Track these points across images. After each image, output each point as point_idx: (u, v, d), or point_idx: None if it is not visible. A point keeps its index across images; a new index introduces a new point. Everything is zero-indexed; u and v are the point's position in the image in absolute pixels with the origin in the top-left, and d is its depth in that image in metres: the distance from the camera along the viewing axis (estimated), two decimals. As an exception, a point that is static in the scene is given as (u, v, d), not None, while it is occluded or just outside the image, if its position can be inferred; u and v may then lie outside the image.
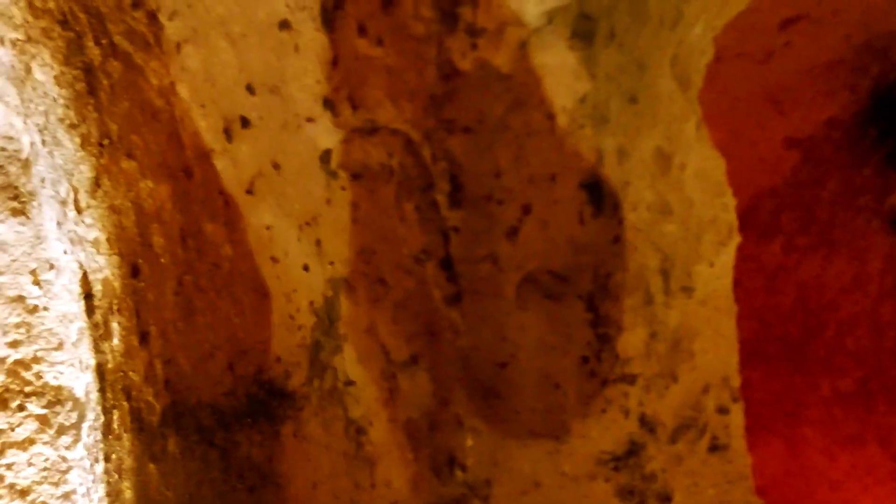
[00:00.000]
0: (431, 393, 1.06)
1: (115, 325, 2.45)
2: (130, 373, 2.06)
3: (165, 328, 1.80)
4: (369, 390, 1.20)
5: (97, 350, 2.80)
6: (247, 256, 1.41)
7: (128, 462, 2.26)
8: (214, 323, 1.58)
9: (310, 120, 1.24)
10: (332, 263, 1.25)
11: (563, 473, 0.95)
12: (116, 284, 2.24)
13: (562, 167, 1.02)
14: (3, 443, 3.04)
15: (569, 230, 0.99)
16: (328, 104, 1.20)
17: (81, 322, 2.97)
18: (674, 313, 1.04)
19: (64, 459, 3.08)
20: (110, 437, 2.65)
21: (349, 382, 1.24)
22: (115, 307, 2.34)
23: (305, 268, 1.30)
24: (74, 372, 3.13)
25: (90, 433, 3.04)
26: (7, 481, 3.07)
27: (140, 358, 1.98)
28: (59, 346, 3.12)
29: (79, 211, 2.52)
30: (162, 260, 1.76)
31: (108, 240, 2.24)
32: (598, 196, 0.98)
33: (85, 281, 2.85)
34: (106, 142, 1.91)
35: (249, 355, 1.48)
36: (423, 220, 1.04)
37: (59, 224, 2.90)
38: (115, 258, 2.08)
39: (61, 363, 3.14)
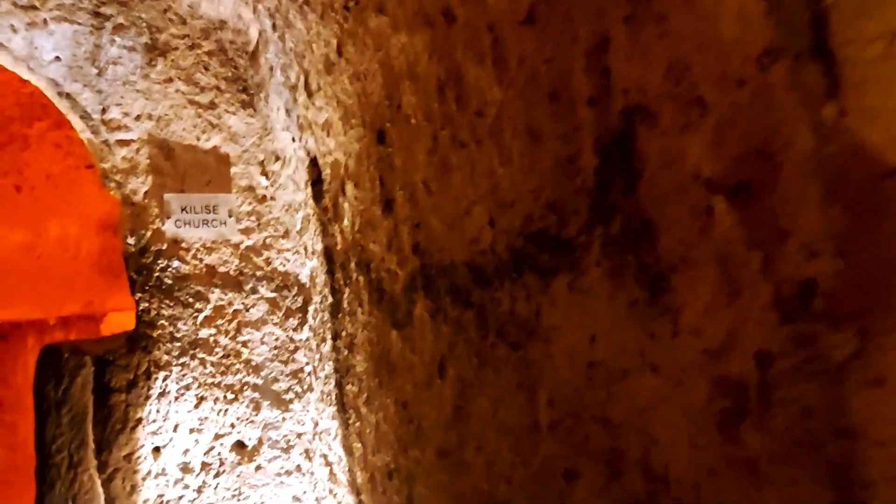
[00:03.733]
0: (767, 222, 0.89)
1: (345, 206, 2.45)
2: (371, 245, 2.03)
3: (414, 191, 1.72)
4: (673, 231, 1.04)
5: (325, 234, 2.84)
6: (518, 97, 1.27)
7: (362, 336, 2.27)
8: (474, 177, 1.47)
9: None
10: (625, 91, 1.08)
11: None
12: (351, 162, 2.21)
13: None
14: (240, 322, 3.25)
15: None
16: None
17: (307, 210, 3.03)
18: None
19: (291, 340, 3.24)
20: (340, 315, 2.69)
21: (644, 224, 1.09)
22: (347, 187, 2.32)
23: (591, 101, 1.14)
24: (300, 258, 3.25)
25: (316, 315, 3.14)
26: (243, 357, 3.26)
27: (382, 228, 1.94)
28: (286, 234, 3.24)
29: (309, 94, 2.51)
30: (413, 120, 1.68)
31: (342, 118, 2.21)
32: None
33: (313, 167, 2.87)
34: (352, 4, 1.83)
35: (515, 207, 1.36)
36: (776, 7, 0.85)
37: (287, 111, 2.95)
38: (355, 131, 2.03)
39: (287, 250, 3.28)
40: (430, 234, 1.69)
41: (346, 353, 2.69)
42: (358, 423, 2.58)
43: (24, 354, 4.64)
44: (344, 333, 2.68)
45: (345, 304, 2.64)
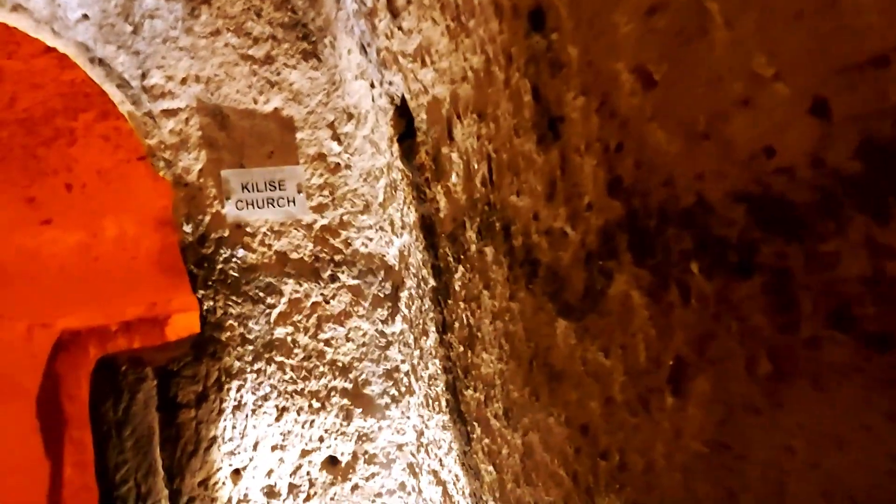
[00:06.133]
0: None
1: (453, 156, 1.77)
2: (512, 197, 1.34)
3: (611, 92, 1.02)
4: None
5: (420, 200, 2.15)
6: None
7: (493, 328, 1.59)
8: (767, 32, 0.77)
9: None
10: None
11: None
12: (466, 89, 1.52)
13: None
14: (319, 316, 2.57)
15: None
16: None
17: (393, 175, 2.35)
18: None
19: (382, 334, 2.56)
20: (449, 301, 2.01)
21: None
22: (456, 128, 1.64)
23: None
24: (385, 236, 2.56)
25: (411, 303, 2.46)
26: (328, 357, 2.59)
27: (538, 167, 1.24)
28: (365, 209, 2.55)
29: (395, 15, 1.82)
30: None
31: (450, 27, 1.53)
32: None
33: (399, 117, 2.19)
34: None
35: (867, 70, 0.65)
36: None
37: (364, 48, 2.27)
38: (477, 35, 1.34)
39: (369, 227, 2.59)
40: (645, 159, 0.98)
41: (461, 349, 2.01)
42: (487, 440, 1.90)
43: (87, 365, 4.13)
44: (457, 325, 2.00)
45: (456, 287, 1.96)
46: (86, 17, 2.47)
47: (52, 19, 2.46)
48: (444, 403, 2.28)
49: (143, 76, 2.52)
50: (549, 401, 1.39)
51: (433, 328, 2.27)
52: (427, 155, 2.00)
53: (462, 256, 1.86)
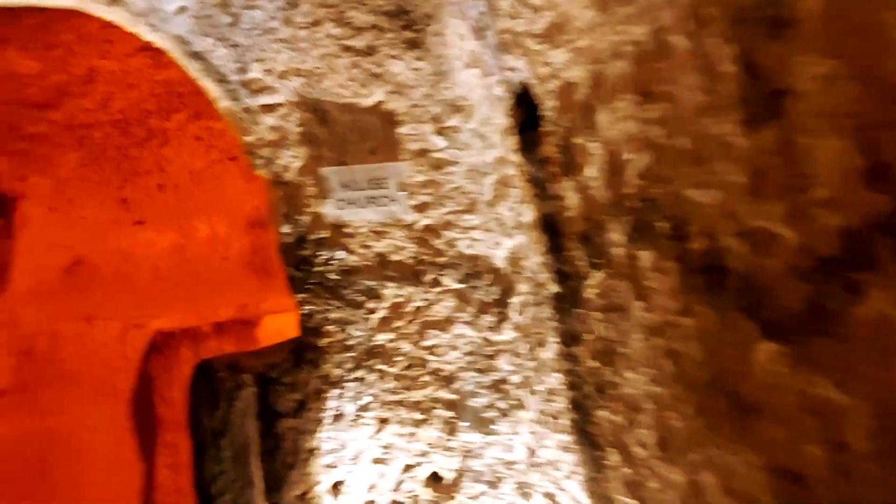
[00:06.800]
0: None
1: (592, 146, 1.53)
2: (689, 191, 1.10)
3: (867, 53, 0.77)
4: None
5: (541, 197, 1.93)
6: None
7: (647, 344, 1.34)
8: None
9: None
10: None
11: None
12: (618, 67, 1.29)
13: None
14: (422, 323, 2.33)
15: None
16: None
17: (503, 171, 2.13)
18: None
19: (488, 342, 2.33)
20: (578, 310, 1.78)
21: None
22: (600, 114, 1.40)
23: None
24: (492, 237, 2.33)
25: (524, 309, 2.23)
26: (430, 366, 2.37)
27: (734, 154, 1.00)
28: (471, 208, 2.34)
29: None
30: None
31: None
32: None
33: (517, 106, 1.97)
34: None
35: None
36: None
37: (477, 32, 2.05)
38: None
39: (474, 228, 2.36)
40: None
41: (594, 364, 1.78)
42: (628, 470, 1.66)
43: (179, 366, 4.09)
44: (590, 337, 1.77)
45: (589, 295, 1.73)
46: (183, 8, 2.36)
47: (149, 11, 2.36)
48: (565, 422, 2.05)
49: (242, 70, 2.39)
50: (736, 437, 1.14)
51: (554, 339, 2.04)
52: (555, 147, 1.77)
53: (600, 261, 1.62)
